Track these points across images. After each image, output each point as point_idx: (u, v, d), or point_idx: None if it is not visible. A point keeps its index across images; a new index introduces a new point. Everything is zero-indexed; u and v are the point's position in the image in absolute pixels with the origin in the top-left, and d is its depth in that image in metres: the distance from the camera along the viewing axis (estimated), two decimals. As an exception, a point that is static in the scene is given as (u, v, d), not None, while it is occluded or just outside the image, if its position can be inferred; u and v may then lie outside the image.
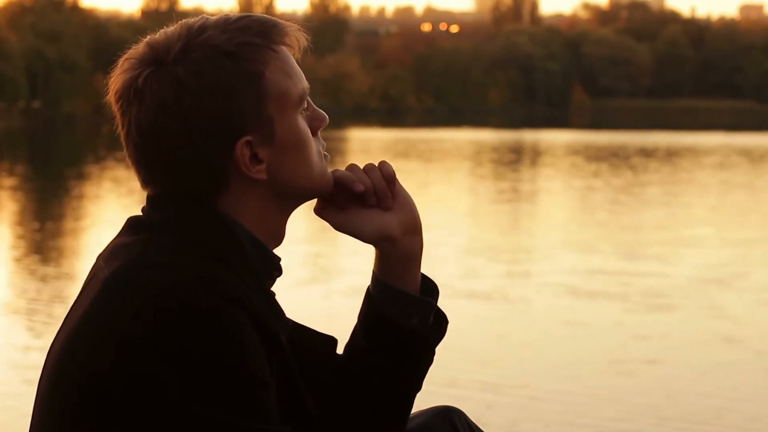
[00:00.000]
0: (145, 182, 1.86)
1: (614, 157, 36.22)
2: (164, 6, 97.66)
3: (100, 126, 66.89)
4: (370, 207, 1.96)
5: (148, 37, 1.85)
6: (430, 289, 2.02)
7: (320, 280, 11.48)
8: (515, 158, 36.04)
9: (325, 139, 1.93)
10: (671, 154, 37.94)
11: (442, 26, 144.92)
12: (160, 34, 1.84)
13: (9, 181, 25.26)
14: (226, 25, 1.82)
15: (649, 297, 10.38)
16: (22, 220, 17.78)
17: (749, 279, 11.62)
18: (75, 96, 72.60)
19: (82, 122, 69.81)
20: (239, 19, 1.84)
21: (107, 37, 79.44)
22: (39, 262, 12.66)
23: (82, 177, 26.51)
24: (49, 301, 10.31)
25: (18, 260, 12.97)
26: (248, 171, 1.82)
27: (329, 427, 1.97)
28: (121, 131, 1.85)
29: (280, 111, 1.83)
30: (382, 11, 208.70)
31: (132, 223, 1.86)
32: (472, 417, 2.14)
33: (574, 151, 40.53)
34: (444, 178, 26.21)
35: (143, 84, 1.79)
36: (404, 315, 1.98)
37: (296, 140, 1.85)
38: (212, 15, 1.87)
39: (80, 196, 21.77)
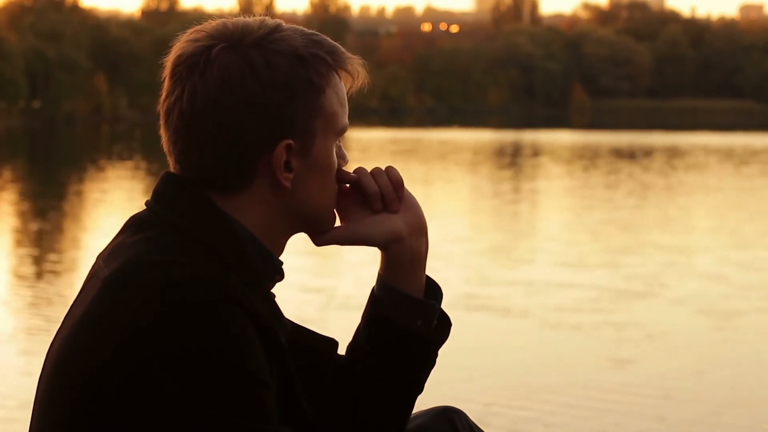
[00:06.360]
0: (175, 157, 1.85)
1: (590, 158, 36.11)
2: (164, 6, 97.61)
3: (100, 126, 66.92)
4: (375, 213, 1.97)
5: (223, 18, 1.87)
6: (434, 291, 2.02)
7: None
8: (480, 159, 35.88)
9: (336, 155, 1.94)
10: (648, 155, 37.85)
11: (442, 26, 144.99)
12: (238, 19, 1.87)
13: (8, 181, 25.27)
14: (302, 33, 1.87)
15: (559, 312, 10.00)
16: (21, 220, 17.78)
17: (664, 295, 11.10)
18: (75, 96, 72.62)
19: (82, 122, 69.82)
20: (314, 33, 1.88)
21: (107, 37, 79.49)
22: (38, 262, 12.67)
23: (81, 177, 26.51)
24: (48, 301, 10.31)
25: (18, 260, 12.97)
26: (279, 174, 1.83)
27: (329, 427, 1.97)
28: (165, 98, 1.84)
29: (324, 131, 1.87)
30: (382, 11, 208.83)
31: (133, 222, 1.86)
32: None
33: (550, 151, 40.49)
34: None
35: (215, 56, 1.81)
36: (408, 317, 1.98)
37: (326, 165, 1.88)
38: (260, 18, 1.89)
39: (80, 196, 21.77)
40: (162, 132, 1.86)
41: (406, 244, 1.98)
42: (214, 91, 1.80)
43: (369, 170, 1.98)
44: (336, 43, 1.89)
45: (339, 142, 1.92)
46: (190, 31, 1.86)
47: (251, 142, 1.81)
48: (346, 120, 1.91)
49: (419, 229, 2.00)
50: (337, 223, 1.97)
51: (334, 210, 1.94)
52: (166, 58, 1.86)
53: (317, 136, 1.85)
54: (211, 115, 1.80)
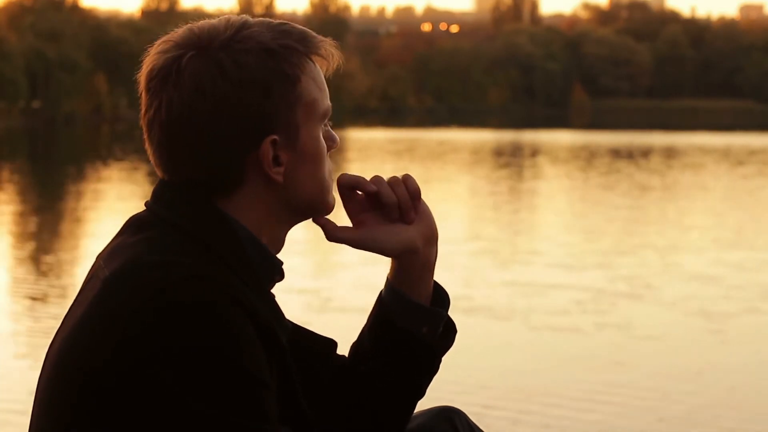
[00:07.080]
0: (162, 167, 1.86)
1: (588, 158, 35.99)
2: (164, 6, 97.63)
3: (100, 126, 66.91)
4: (390, 221, 1.98)
5: (189, 23, 1.87)
6: (441, 299, 2.04)
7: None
8: (478, 159, 35.75)
9: (324, 138, 1.94)
10: (646, 155, 37.75)
11: (442, 26, 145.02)
12: (204, 22, 1.87)
13: (8, 181, 25.27)
14: (270, 25, 1.86)
15: (556, 313, 9.91)
16: (21, 220, 17.78)
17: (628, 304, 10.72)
18: (75, 96, 72.62)
19: (82, 122, 69.81)
20: (282, 24, 1.87)
21: (107, 37, 79.47)
22: (37, 262, 12.66)
23: (81, 177, 26.50)
24: (47, 300, 10.31)
25: (17, 260, 12.97)
26: (269, 170, 1.83)
27: (329, 428, 1.98)
28: (145, 112, 1.85)
29: (307, 119, 1.86)
30: (382, 11, 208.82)
31: (133, 223, 1.86)
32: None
33: (548, 151, 40.38)
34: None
35: (185, 65, 1.81)
36: (414, 323, 2.00)
37: (315, 152, 1.88)
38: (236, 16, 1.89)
39: (79, 196, 21.76)
40: (147, 146, 1.87)
41: (420, 254, 2.00)
42: (189, 99, 1.80)
43: (386, 179, 1.98)
44: (305, 29, 1.88)
45: (326, 125, 1.92)
46: (157, 42, 1.86)
47: (234, 143, 1.81)
48: (328, 102, 1.90)
49: (431, 239, 2.02)
50: (344, 220, 1.98)
51: (331, 192, 1.94)
52: (139, 74, 1.86)
53: (301, 125, 1.85)
54: (190, 122, 1.80)
